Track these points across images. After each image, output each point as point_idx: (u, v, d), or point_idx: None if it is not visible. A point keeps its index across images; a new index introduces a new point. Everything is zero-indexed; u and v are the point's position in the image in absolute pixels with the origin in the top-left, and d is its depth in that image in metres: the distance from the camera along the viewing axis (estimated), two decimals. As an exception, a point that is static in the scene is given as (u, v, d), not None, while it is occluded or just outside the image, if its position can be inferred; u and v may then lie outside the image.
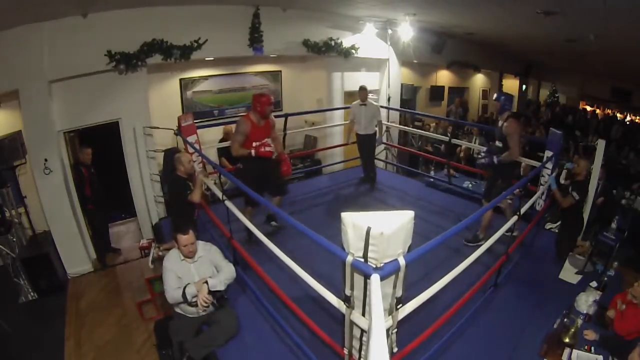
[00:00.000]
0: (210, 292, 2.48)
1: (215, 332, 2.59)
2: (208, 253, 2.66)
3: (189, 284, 2.48)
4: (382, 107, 6.09)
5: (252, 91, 6.28)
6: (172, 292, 2.46)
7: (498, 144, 3.52)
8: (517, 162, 3.72)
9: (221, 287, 2.55)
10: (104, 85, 4.44)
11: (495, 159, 3.47)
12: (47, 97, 4.05)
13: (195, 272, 2.58)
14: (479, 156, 3.82)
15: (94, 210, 4.65)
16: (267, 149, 3.43)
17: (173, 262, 2.55)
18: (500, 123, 3.49)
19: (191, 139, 4.29)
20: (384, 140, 6.75)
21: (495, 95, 3.66)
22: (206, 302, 2.46)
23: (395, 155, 7.32)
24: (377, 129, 5.04)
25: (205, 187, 3.77)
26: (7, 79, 3.78)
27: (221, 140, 5.48)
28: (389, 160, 6.98)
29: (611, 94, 11.27)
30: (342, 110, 6.30)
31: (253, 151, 3.39)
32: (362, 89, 4.88)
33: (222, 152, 5.44)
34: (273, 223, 3.94)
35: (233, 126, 5.40)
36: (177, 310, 2.63)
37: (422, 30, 6.78)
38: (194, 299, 2.49)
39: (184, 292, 2.44)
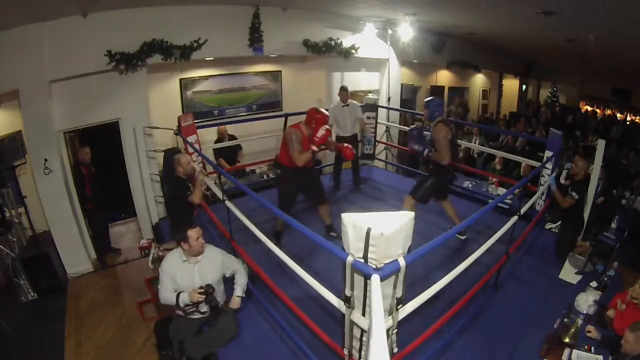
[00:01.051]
0: (206, 298, 2.46)
1: (215, 333, 2.59)
2: (212, 256, 2.63)
3: (182, 292, 2.46)
4: (381, 107, 6.10)
5: (252, 91, 6.30)
6: (166, 294, 2.46)
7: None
8: (448, 169, 3.74)
9: (242, 294, 2.65)
10: (104, 85, 4.44)
11: (425, 152, 3.51)
12: (47, 97, 4.05)
13: (197, 274, 2.54)
14: (411, 127, 3.80)
15: (93, 210, 4.65)
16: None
17: (173, 264, 2.52)
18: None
19: (191, 139, 4.29)
20: (385, 140, 6.79)
21: (425, 101, 3.66)
22: (199, 299, 2.45)
23: (395, 155, 7.33)
24: (358, 128, 4.97)
25: (206, 187, 3.77)
26: (7, 79, 3.78)
27: (216, 141, 5.49)
28: (389, 160, 6.98)
29: (611, 94, 11.27)
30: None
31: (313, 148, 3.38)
32: (344, 89, 4.78)
33: (219, 153, 5.45)
34: (332, 234, 3.80)
35: (227, 127, 5.46)
36: (178, 311, 2.63)
37: (422, 30, 6.77)
38: (187, 308, 2.49)
39: (177, 300, 2.44)
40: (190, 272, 2.53)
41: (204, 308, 2.57)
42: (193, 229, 2.51)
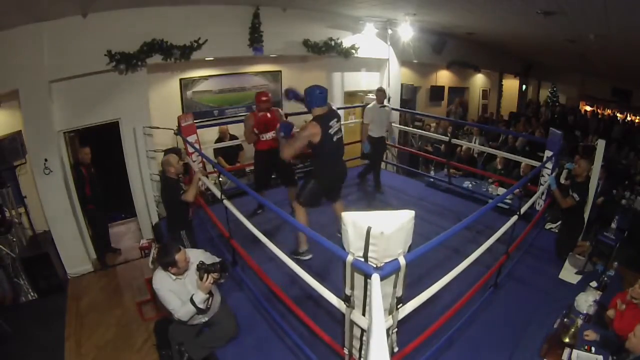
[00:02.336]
0: (211, 270, 2.39)
1: (214, 334, 2.59)
2: (195, 259, 2.50)
3: (193, 294, 2.37)
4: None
5: (252, 91, 6.29)
6: (183, 310, 2.34)
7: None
8: (314, 174, 3.25)
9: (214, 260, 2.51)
10: (104, 85, 4.44)
11: (282, 136, 3.23)
12: (47, 97, 4.05)
13: (189, 283, 2.46)
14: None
15: (94, 210, 4.65)
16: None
17: (166, 284, 2.39)
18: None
19: (191, 138, 4.29)
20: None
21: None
22: (215, 280, 2.41)
23: (395, 155, 7.32)
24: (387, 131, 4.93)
25: (205, 187, 3.77)
26: (7, 79, 3.78)
27: (217, 141, 5.49)
28: (389, 160, 6.98)
29: (611, 94, 11.27)
30: (342, 111, 6.29)
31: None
32: (381, 90, 4.74)
33: (219, 152, 5.45)
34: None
35: (229, 127, 5.46)
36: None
37: (422, 30, 6.78)
38: (206, 304, 2.42)
39: (194, 305, 2.34)
40: (182, 286, 2.44)
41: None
42: (179, 252, 2.36)
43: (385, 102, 4.84)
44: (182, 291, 2.41)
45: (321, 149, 3.02)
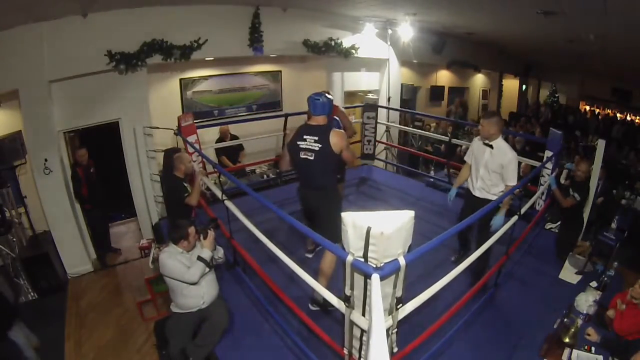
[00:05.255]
0: (209, 228, 2.65)
1: (209, 329, 2.61)
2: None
3: (199, 254, 2.54)
4: (381, 107, 6.08)
5: (252, 91, 6.30)
6: (192, 270, 2.48)
7: None
8: None
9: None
10: (104, 85, 4.44)
11: None
12: (47, 97, 4.05)
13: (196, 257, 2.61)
14: None
15: (92, 210, 4.63)
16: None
17: (175, 255, 2.56)
18: None
19: (191, 139, 4.29)
20: (385, 140, 6.78)
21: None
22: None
23: (395, 155, 7.33)
24: (501, 193, 2.88)
25: (206, 187, 3.76)
26: (7, 79, 3.78)
27: (218, 141, 5.49)
28: (389, 160, 6.99)
29: (611, 94, 11.27)
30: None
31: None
32: (491, 114, 2.94)
33: (221, 152, 5.45)
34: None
35: (229, 127, 5.46)
36: (174, 309, 2.63)
37: (422, 30, 6.77)
38: (217, 258, 2.72)
39: (203, 261, 2.51)
40: (189, 260, 2.58)
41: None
42: (189, 227, 2.59)
43: (500, 142, 2.94)
44: (190, 262, 2.57)
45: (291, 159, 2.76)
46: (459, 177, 3.41)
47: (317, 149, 2.58)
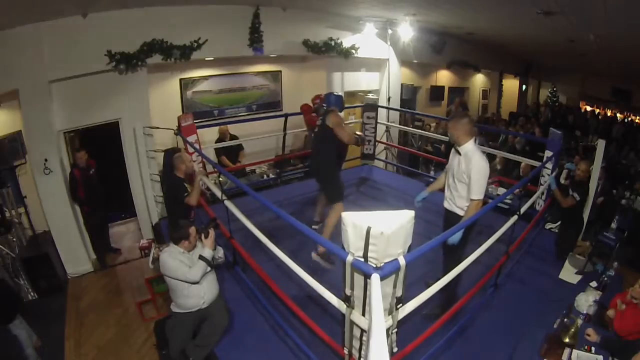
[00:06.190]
0: (209, 227, 2.65)
1: (209, 329, 2.61)
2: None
3: (201, 253, 2.55)
4: (381, 107, 6.08)
5: (252, 91, 6.30)
6: (194, 269, 2.48)
7: None
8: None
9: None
10: (104, 85, 4.44)
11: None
12: (47, 97, 4.05)
13: (196, 258, 2.59)
14: None
15: (89, 212, 4.59)
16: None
17: (176, 255, 2.55)
18: None
19: (191, 139, 4.29)
20: (385, 140, 6.78)
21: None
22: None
23: (395, 155, 7.33)
24: (467, 206, 2.60)
25: (205, 187, 3.76)
26: (7, 79, 3.78)
27: (217, 141, 5.49)
28: (389, 160, 6.99)
29: (611, 94, 11.27)
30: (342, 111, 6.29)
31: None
32: (459, 116, 2.74)
33: (221, 151, 5.45)
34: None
35: (228, 126, 5.46)
36: (175, 309, 2.63)
37: (422, 30, 6.78)
38: (217, 258, 2.72)
39: (204, 260, 2.51)
40: (190, 260, 2.57)
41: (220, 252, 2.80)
42: (189, 227, 2.59)
43: (471, 146, 2.70)
44: (191, 262, 2.57)
45: None
46: (435, 182, 3.13)
47: (320, 134, 3.55)
